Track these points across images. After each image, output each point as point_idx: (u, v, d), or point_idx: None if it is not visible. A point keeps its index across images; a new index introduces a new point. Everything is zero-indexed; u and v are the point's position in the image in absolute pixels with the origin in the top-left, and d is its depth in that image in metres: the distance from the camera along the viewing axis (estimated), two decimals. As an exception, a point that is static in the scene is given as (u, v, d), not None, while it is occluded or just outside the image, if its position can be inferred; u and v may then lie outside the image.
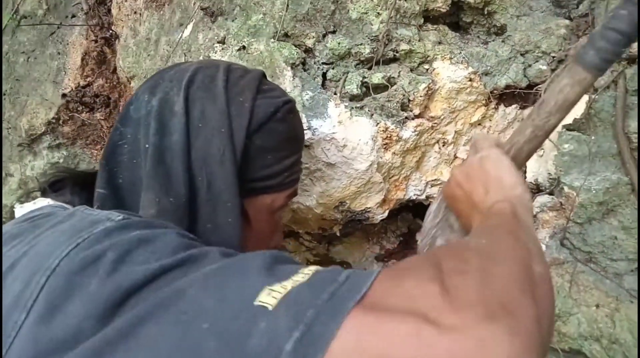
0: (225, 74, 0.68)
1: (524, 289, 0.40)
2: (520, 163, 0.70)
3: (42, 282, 0.44)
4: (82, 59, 1.34)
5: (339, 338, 0.35)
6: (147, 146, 0.63)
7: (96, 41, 1.36)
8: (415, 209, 1.34)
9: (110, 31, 1.35)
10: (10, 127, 1.37)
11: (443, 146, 1.08)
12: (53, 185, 0.75)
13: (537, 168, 1.00)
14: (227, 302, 0.39)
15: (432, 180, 1.11)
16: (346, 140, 0.95)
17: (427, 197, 1.15)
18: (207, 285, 0.40)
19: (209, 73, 0.68)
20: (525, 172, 1.04)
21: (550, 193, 0.97)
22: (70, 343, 0.39)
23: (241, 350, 0.36)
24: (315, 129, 0.94)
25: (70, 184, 0.75)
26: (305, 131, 0.94)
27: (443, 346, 0.33)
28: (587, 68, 0.61)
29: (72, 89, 1.33)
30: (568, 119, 0.95)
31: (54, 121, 1.33)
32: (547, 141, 0.98)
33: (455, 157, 1.12)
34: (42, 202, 0.68)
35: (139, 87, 0.71)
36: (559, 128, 0.96)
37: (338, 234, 1.10)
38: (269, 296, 0.38)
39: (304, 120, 0.94)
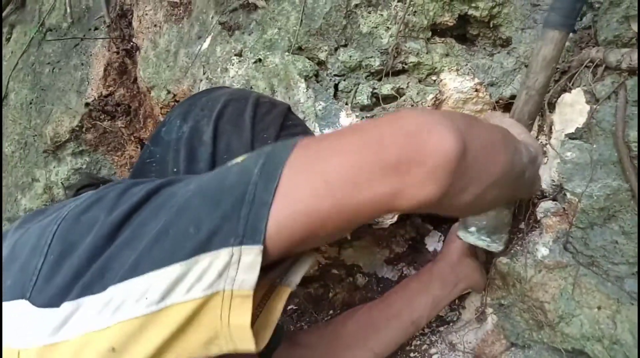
0: (253, 110, 0.74)
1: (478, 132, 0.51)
2: (524, 124, 0.81)
3: (54, 229, 0.49)
4: (105, 70, 1.41)
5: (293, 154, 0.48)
6: (175, 169, 0.68)
7: (118, 53, 1.42)
8: (424, 214, 1.38)
9: (131, 43, 1.41)
10: (36, 135, 1.43)
11: (450, 153, 1.12)
12: (77, 192, 0.81)
13: (541, 175, 1.03)
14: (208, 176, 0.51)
15: (440, 186, 1.15)
16: (357, 148, 0.99)
17: (435, 202, 1.19)
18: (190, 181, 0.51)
19: (238, 106, 0.74)
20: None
21: (554, 199, 1.00)
22: (84, 268, 0.45)
23: (220, 190, 0.47)
24: (328, 137, 0.99)
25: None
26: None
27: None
28: (552, 27, 0.76)
29: (94, 98, 1.40)
30: (570, 129, 0.99)
31: (77, 128, 1.39)
32: (550, 149, 1.02)
33: (462, 164, 1.16)
34: None
35: (172, 111, 0.76)
36: (561, 137, 1.00)
37: (349, 238, 1.14)
38: (238, 159, 0.52)
39: (316, 130, 0.99)
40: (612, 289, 0.92)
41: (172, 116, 0.75)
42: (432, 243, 1.44)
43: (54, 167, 1.41)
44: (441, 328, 1.24)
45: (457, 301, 1.30)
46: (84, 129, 1.41)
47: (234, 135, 0.71)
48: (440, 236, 1.44)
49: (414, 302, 1.08)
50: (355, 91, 1.02)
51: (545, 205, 1.00)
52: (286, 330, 1.17)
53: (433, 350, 1.18)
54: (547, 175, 1.01)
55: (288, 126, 0.76)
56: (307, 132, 0.80)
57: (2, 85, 1.56)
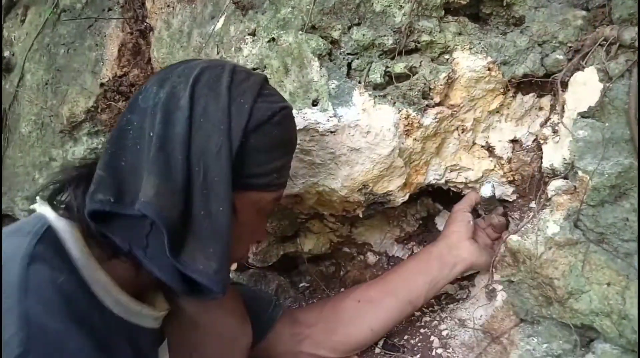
0: (230, 76, 0.75)
1: None
2: None
3: None
4: (119, 51, 1.42)
5: None
6: (151, 134, 0.69)
7: (131, 33, 1.43)
8: (435, 194, 1.39)
9: (145, 24, 1.42)
10: (52, 115, 1.46)
11: (462, 132, 1.13)
12: (54, 196, 0.78)
13: (553, 153, 1.04)
14: None
15: (451, 165, 1.17)
16: (370, 126, 1.00)
17: (446, 182, 1.20)
18: None
19: (215, 73, 0.75)
20: (541, 158, 1.09)
21: (565, 177, 1.01)
22: None
23: None
24: (341, 116, 1.00)
25: (70, 186, 0.77)
26: (331, 118, 1.00)
27: None
28: None
29: (109, 79, 1.41)
30: (583, 107, 0.99)
31: (92, 109, 1.41)
32: (562, 128, 1.02)
33: (474, 143, 1.17)
34: (41, 209, 0.73)
35: (149, 80, 0.77)
36: (574, 115, 1.01)
37: (361, 216, 1.16)
38: None
39: (330, 107, 1.00)
40: (621, 265, 0.93)
41: (148, 84, 0.76)
42: (442, 222, 1.45)
43: (70, 147, 1.44)
44: (451, 305, 1.26)
45: (466, 279, 1.32)
46: (99, 110, 1.43)
47: (211, 99, 0.72)
48: (451, 216, 1.45)
49: (412, 282, 1.10)
50: (368, 70, 1.03)
51: (556, 183, 1.01)
52: (285, 308, 1.19)
53: (443, 326, 1.20)
54: (559, 153, 1.02)
55: (265, 94, 0.78)
56: (282, 101, 0.81)
57: (1, 83, 1.58)
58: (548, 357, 0.99)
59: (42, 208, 0.72)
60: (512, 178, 1.17)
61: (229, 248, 0.69)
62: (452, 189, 1.24)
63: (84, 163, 0.84)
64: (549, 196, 1.03)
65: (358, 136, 1.01)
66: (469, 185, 1.21)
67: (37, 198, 0.75)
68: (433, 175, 1.16)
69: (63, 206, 0.75)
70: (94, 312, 0.65)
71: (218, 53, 1.17)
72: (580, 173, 0.97)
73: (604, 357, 0.92)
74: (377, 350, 1.18)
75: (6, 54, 1.66)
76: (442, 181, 1.18)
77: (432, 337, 1.18)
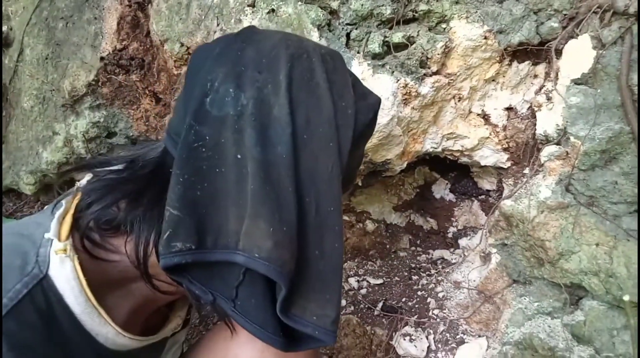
0: (323, 68, 0.59)
1: None
2: None
3: None
4: (118, 24, 1.43)
5: None
6: (238, 156, 0.53)
7: (130, 6, 1.44)
8: (431, 162, 1.43)
9: (143, -4, 1.43)
10: (53, 89, 1.47)
11: (459, 101, 1.16)
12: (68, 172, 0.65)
13: (546, 120, 1.07)
14: None
15: (448, 134, 1.20)
16: (369, 96, 1.03)
17: (443, 150, 1.23)
18: None
19: (306, 66, 0.58)
20: (535, 125, 1.12)
21: (558, 143, 1.05)
22: None
23: None
24: (340, 85, 1.02)
25: (110, 199, 0.61)
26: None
27: None
28: None
29: (109, 52, 1.42)
30: (576, 74, 1.02)
31: (93, 82, 1.43)
32: (555, 95, 1.05)
33: (470, 112, 1.19)
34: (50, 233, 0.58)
35: (205, 69, 0.58)
36: (567, 82, 1.03)
37: (360, 184, 1.19)
38: None
39: (329, 77, 1.02)
40: (610, 227, 0.97)
41: (213, 79, 0.56)
42: (439, 190, 1.50)
43: (73, 121, 1.45)
44: (447, 269, 1.31)
45: (460, 243, 1.37)
46: (100, 84, 1.44)
47: (312, 106, 0.56)
48: (447, 184, 1.49)
49: None
50: (367, 40, 1.05)
51: (549, 149, 1.05)
52: None
53: (439, 289, 1.25)
54: (552, 120, 1.05)
55: (356, 85, 0.63)
56: (371, 92, 0.67)
57: (1, 81, 1.58)
58: (539, 315, 1.04)
59: (52, 233, 0.57)
60: (506, 146, 1.20)
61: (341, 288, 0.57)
62: (449, 157, 1.28)
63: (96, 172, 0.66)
64: (542, 161, 1.07)
65: (357, 105, 1.03)
66: (465, 153, 1.24)
67: (55, 219, 0.59)
68: (430, 143, 1.19)
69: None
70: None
71: (218, 25, 1.18)
72: (572, 139, 1.00)
73: (592, 313, 0.97)
74: (376, 312, 1.24)
75: (4, 28, 1.66)
76: (439, 149, 1.21)
77: (429, 299, 1.23)
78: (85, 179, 0.64)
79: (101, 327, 0.57)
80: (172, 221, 0.52)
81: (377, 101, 0.66)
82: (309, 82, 0.57)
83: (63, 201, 0.61)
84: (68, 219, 0.58)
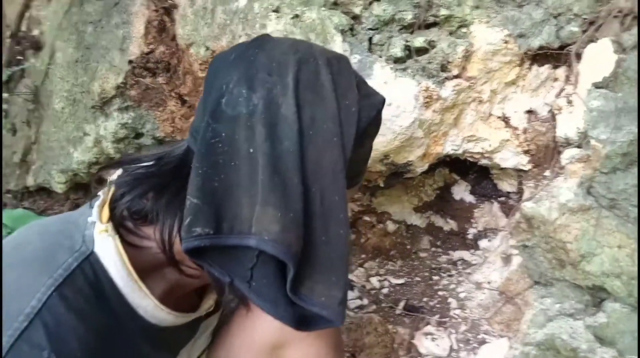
0: (328, 70, 0.64)
1: None
2: None
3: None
4: (145, 28, 1.47)
5: None
6: (251, 150, 0.59)
7: (156, 11, 1.48)
8: (451, 164, 1.44)
9: (169, 1, 1.47)
10: (84, 91, 1.52)
11: (479, 104, 1.17)
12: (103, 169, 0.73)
13: (567, 123, 1.08)
14: None
15: (469, 136, 1.21)
16: (391, 99, 1.05)
17: (464, 152, 1.25)
18: None
19: (312, 69, 0.64)
20: (556, 128, 1.13)
21: (579, 146, 1.05)
22: None
23: None
24: (363, 89, 1.04)
25: (139, 191, 0.68)
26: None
27: None
28: None
29: (137, 55, 1.46)
30: (597, 78, 1.03)
31: (122, 85, 1.47)
32: (576, 99, 1.06)
33: (490, 114, 1.21)
34: (93, 218, 0.66)
35: (221, 73, 0.65)
36: (588, 86, 1.04)
37: (382, 185, 1.21)
38: None
39: (353, 81, 1.04)
40: (632, 229, 0.98)
41: (228, 82, 0.62)
42: (459, 192, 1.51)
43: (102, 122, 1.50)
44: (468, 270, 1.32)
45: (480, 244, 1.38)
46: (128, 86, 1.48)
47: (317, 106, 0.62)
48: (467, 185, 1.50)
49: None
50: (389, 44, 1.07)
51: (570, 152, 1.05)
52: None
53: (460, 289, 1.27)
54: (573, 123, 1.06)
55: (360, 85, 0.69)
56: (375, 92, 0.73)
57: (1, 80, 1.63)
58: (561, 316, 1.05)
59: (95, 217, 0.65)
60: (527, 148, 1.21)
61: (348, 273, 0.62)
62: (469, 159, 1.29)
63: (133, 165, 0.72)
64: (563, 164, 1.07)
65: (380, 109, 1.05)
66: (485, 155, 1.25)
67: (95, 207, 0.67)
68: (451, 146, 1.20)
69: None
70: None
71: (243, 29, 1.21)
72: (593, 142, 1.01)
73: (614, 315, 0.98)
74: (397, 311, 1.26)
75: (35, 32, 1.72)
76: (460, 151, 1.22)
77: (450, 299, 1.25)
78: (116, 174, 0.71)
79: (141, 299, 0.64)
80: (192, 209, 0.58)
81: (381, 100, 0.71)
82: (314, 83, 0.62)
83: (100, 193, 0.69)
84: (106, 208, 0.66)
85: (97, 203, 0.67)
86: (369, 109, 0.67)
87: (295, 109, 0.60)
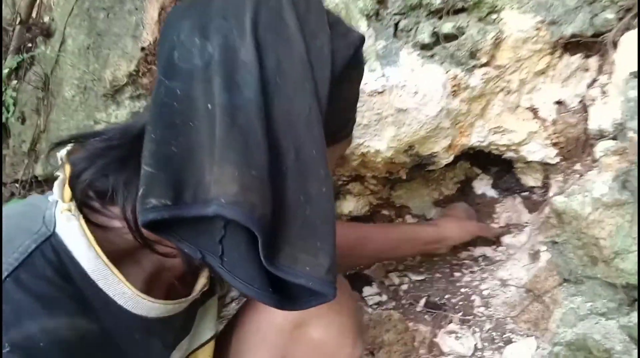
0: (293, 9, 0.56)
1: None
2: None
3: None
4: (159, 14, 1.43)
5: None
6: (209, 106, 0.51)
7: (170, -3, 1.44)
8: (473, 157, 1.40)
9: (184, -13, 1.43)
10: (95, 79, 1.48)
11: (507, 94, 1.13)
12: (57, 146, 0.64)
13: (601, 114, 1.03)
14: None
15: (495, 127, 1.17)
16: (417, 87, 1.01)
17: (489, 144, 1.20)
18: None
19: (273, 7, 0.56)
20: (587, 120, 1.08)
21: (614, 138, 1.01)
22: None
23: None
24: (389, 76, 1.00)
25: (97, 166, 0.60)
26: (379, 78, 1.00)
27: None
28: None
29: (150, 42, 1.42)
30: (634, 67, 0.98)
31: (134, 73, 1.43)
32: (612, 88, 1.01)
33: (518, 105, 1.16)
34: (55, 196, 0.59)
35: (174, 23, 0.57)
36: (625, 75, 0.99)
37: (404, 177, 1.17)
38: None
39: (378, 68, 1.00)
40: (670, 225, 0.93)
41: (179, 33, 0.55)
42: (481, 186, 1.47)
43: (113, 110, 1.47)
44: (491, 267, 1.28)
45: (503, 240, 1.34)
46: (140, 74, 1.44)
47: (282, 48, 0.54)
48: (489, 179, 1.46)
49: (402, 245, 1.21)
50: (416, 30, 1.03)
51: (605, 144, 1.01)
52: None
53: (484, 286, 1.23)
54: (609, 115, 1.01)
55: (332, 24, 0.59)
56: (352, 29, 0.63)
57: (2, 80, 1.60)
58: (593, 315, 1.01)
59: (56, 195, 0.59)
60: (556, 140, 1.17)
61: (336, 237, 0.53)
62: (494, 151, 1.25)
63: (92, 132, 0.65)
64: (597, 157, 1.03)
65: (406, 97, 1.01)
66: (512, 148, 1.21)
67: (55, 186, 0.59)
68: (477, 137, 1.16)
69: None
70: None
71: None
72: (630, 133, 0.96)
73: (650, 314, 0.93)
74: (418, 308, 1.22)
75: (46, 19, 1.69)
76: (485, 143, 1.18)
77: (474, 296, 1.20)
78: (64, 150, 0.63)
79: (115, 286, 0.57)
80: (146, 178, 0.51)
81: (358, 38, 0.62)
82: (277, 24, 0.55)
83: (60, 172, 0.61)
84: (67, 187, 0.59)
85: (57, 181, 0.60)
86: (345, 49, 0.59)
87: (255, 52, 0.52)
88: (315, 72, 0.55)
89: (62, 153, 0.62)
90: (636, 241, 0.96)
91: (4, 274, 0.50)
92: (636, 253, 0.96)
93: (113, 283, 0.57)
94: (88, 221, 0.57)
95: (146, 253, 0.62)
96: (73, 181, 0.58)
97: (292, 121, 0.53)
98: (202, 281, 0.71)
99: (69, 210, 0.56)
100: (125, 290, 0.58)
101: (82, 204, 0.58)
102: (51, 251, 0.54)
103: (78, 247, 0.55)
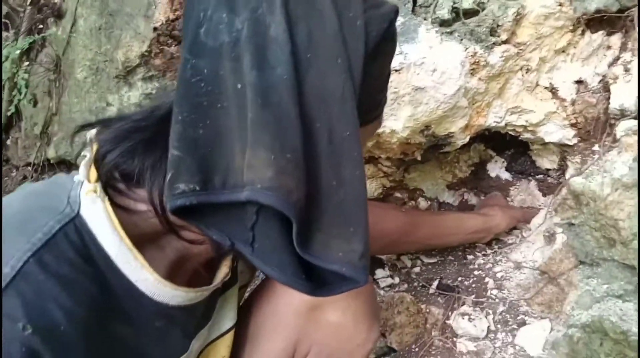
0: None
1: None
2: None
3: None
4: (172, -7, 1.41)
5: None
6: (239, 85, 0.49)
7: (183, -25, 1.42)
8: (488, 139, 1.38)
9: (196, -35, 1.41)
10: (107, 60, 1.48)
11: (526, 73, 1.11)
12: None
13: (624, 93, 1.01)
14: None
15: (513, 107, 1.15)
16: (436, 65, 0.99)
17: (506, 124, 1.18)
18: None
19: None
20: (608, 99, 1.06)
21: (635, 118, 0.99)
22: None
23: None
24: (407, 54, 0.98)
25: (123, 147, 0.58)
26: (396, 56, 0.98)
27: None
28: None
29: (162, 22, 1.41)
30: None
31: (146, 54, 1.42)
32: (635, 66, 0.99)
33: (537, 84, 1.14)
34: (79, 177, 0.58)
35: (195, 1, 0.53)
36: (649, 53, 0.97)
37: (419, 158, 1.16)
38: None
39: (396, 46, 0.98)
40: (693, 206, 0.91)
41: (206, 7, 0.51)
42: (495, 169, 1.45)
43: (126, 92, 1.46)
44: (505, 249, 1.27)
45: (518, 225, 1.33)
46: (152, 55, 1.43)
47: (314, 21, 0.51)
48: (503, 162, 1.44)
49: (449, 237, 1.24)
50: (435, 6, 1.00)
51: (626, 124, 0.99)
52: None
53: (497, 269, 1.22)
54: (632, 93, 0.99)
55: (371, 4, 0.56)
56: (386, 3, 0.59)
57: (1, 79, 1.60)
58: (609, 297, 1.00)
59: (82, 175, 0.57)
60: (574, 121, 1.14)
61: (368, 221, 0.51)
62: (510, 133, 1.23)
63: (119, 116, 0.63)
64: (618, 137, 1.01)
65: (423, 75, 0.99)
66: (529, 129, 1.19)
67: (82, 165, 0.58)
68: (494, 117, 1.14)
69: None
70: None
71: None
72: (654, 112, 0.94)
73: (669, 296, 0.92)
74: (431, 290, 1.21)
75: (56, 0, 1.68)
76: (502, 124, 1.16)
77: (487, 279, 1.19)
78: (93, 130, 0.61)
79: (138, 271, 0.56)
80: (174, 162, 0.49)
81: (393, 9, 0.58)
82: None
83: (86, 152, 0.59)
84: (93, 168, 0.57)
85: (84, 161, 0.58)
86: (379, 21, 0.55)
87: (286, 27, 0.49)
88: (348, 47, 0.51)
89: (91, 133, 0.60)
90: (657, 222, 0.94)
91: (27, 254, 0.48)
92: (657, 234, 0.94)
93: (136, 269, 0.56)
94: (113, 203, 0.56)
95: (171, 239, 0.61)
96: (99, 163, 0.57)
97: (325, 99, 0.50)
98: (224, 270, 0.70)
99: (95, 191, 0.55)
100: (148, 275, 0.56)
101: (108, 186, 0.57)
102: (75, 233, 0.53)
103: (102, 230, 0.54)
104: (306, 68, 0.49)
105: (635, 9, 0.98)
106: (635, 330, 0.94)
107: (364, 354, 0.81)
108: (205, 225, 0.51)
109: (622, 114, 1.02)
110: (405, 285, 1.27)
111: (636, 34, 1.01)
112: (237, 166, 0.48)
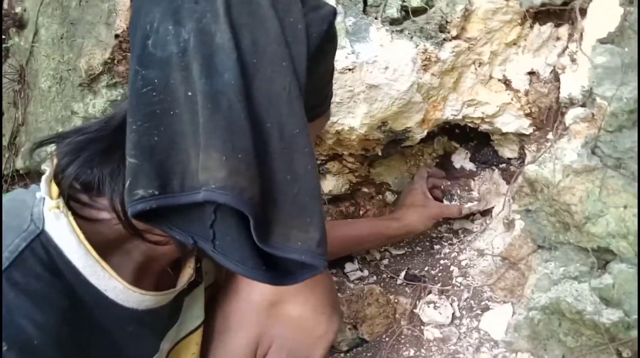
0: None
1: None
2: None
3: None
4: (131, 0, 1.41)
5: None
6: (189, 93, 0.51)
7: (142, -18, 1.42)
8: (451, 132, 1.41)
9: (155, -29, 1.41)
10: (70, 69, 1.47)
11: (479, 66, 1.14)
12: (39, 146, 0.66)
13: (571, 82, 1.05)
14: None
15: (468, 100, 1.18)
16: (388, 62, 1.01)
17: (463, 117, 1.21)
18: None
19: None
20: (559, 88, 1.09)
21: (583, 105, 1.02)
22: None
23: None
24: (359, 53, 1.01)
25: (82, 159, 0.61)
26: (349, 55, 1.01)
27: None
28: None
29: (123, 29, 1.41)
30: (602, 33, 0.99)
31: (109, 61, 1.42)
32: (581, 56, 1.02)
33: (491, 77, 1.17)
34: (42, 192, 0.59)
35: (143, 11, 0.55)
36: (593, 42, 1.00)
37: (380, 154, 1.18)
38: None
39: (348, 45, 1.01)
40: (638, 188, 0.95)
41: (152, 19, 0.53)
42: (459, 160, 1.48)
43: (90, 100, 1.46)
44: (469, 238, 1.30)
45: (480, 213, 1.36)
46: (115, 62, 1.44)
47: (257, 29, 0.53)
48: (467, 153, 1.47)
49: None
50: (385, 5, 1.03)
51: (574, 112, 1.02)
52: None
53: (462, 257, 1.25)
54: (577, 82, 1.03)
55: (310, 7, 0.59)
56: (326, 4, 0.63)
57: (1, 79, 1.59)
58: (565, 279, 1.04)
59: (43, 192, 0.59)
60: (529, 111, 1.18)
61: (322, 211, 0.54)
62: (469, 125, 1.26)
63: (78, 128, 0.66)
64: (567, 125, 1.04)
65: (376, 73, 1.02)
66: (486, 120, 1.22)
67: (42, 181, 0.60)
68: (450, 111, 1.17)
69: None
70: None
71: None
72: (598, 100, 0.98)
73: (621, 276, 0.96)
74: (399, 281, 1.24)
75: (18, 9, 1.66)
76: (460, 116, 1.19)
77: (452, 267, 1.23)
78: (53, 145, 0.64)
79: (106, 281, 0.58)
80: (131, 169, 0.51)
81: (331, 11, 0.61)
82: (249, 4, 0.54)
83: (47, 167, 0.62)
84: (53, 183, 0.60)
85: (45, 176, 0.60)
86: (319, 24, 0.59)
87: (231, 35, 0.51)
88: (291, 50, 0.54)
89: (51, 147, 0.63)
90: (606, 205, 0.98)
91: None
92: (606, 216, 0.98)
93: (104, 278, 0.58)
94: (76, 215, 0.58)
95: (136, 243, 0.63)
96: (59, 176, 0.59)
97: (273, 101, 0.52)
98: (188, 272, 0.73)
99: (57, 207, 0.57)
100: (117, 284, 0.59)
101: (70, 198, 0.59)
102: (41, 249, 0.55)
103: (68, 244, 0.56)
104: (253, 73, 0.52)
105: (578, 1, 1.02)
106: (590, 309, 0.98)
107: (325, 345, 0.84)
108: (168, 227, 0.54)
109: (571, 103, 1.06)
110: (374, 277, 1.30)
111: (581, 25, 1.04)
112: (192, 169, 0.50)
